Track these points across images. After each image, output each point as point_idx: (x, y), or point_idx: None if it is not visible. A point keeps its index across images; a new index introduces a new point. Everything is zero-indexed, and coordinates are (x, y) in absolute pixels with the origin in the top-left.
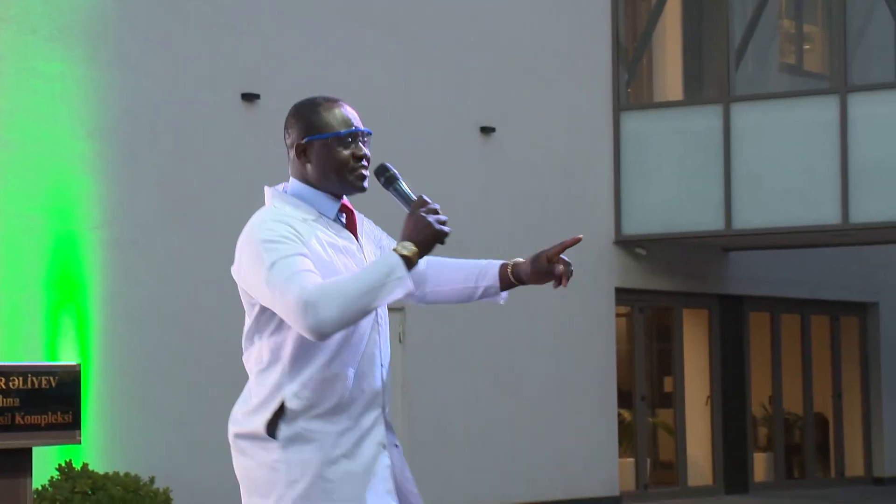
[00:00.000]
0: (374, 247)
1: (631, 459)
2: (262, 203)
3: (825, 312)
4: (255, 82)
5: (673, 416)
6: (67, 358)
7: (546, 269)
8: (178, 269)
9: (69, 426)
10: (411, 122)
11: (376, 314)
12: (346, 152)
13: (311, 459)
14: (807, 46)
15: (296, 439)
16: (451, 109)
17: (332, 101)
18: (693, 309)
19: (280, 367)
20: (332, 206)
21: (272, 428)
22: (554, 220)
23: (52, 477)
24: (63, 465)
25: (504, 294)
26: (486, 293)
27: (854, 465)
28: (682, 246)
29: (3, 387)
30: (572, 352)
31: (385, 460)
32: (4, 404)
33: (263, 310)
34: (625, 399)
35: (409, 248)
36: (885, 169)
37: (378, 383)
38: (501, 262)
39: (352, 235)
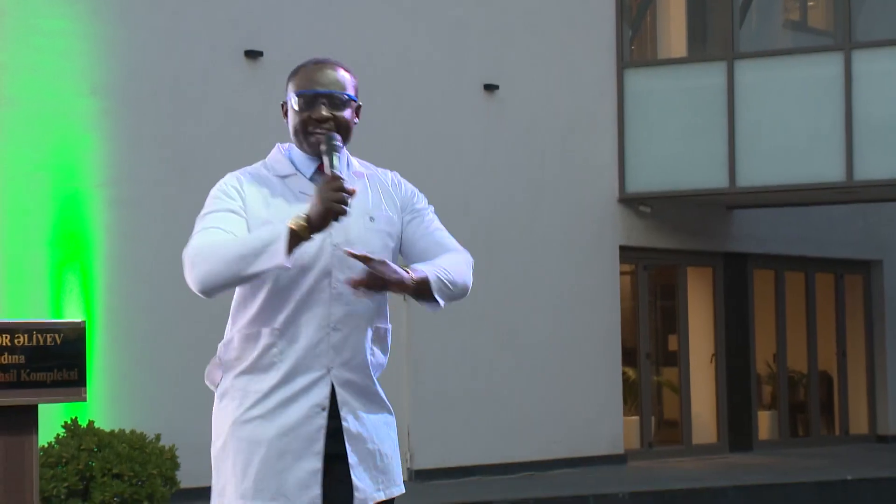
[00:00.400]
0: (367, 212)
1: (635, 417)
2: (262, 159)
3: (829, 270)
4: (258, 39)
5: (677, 374)
6: (72, 315)
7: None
8: (181, 227)
9: (75, 383)
10: (414, 79)
11: (331, 275)
12: (305, 114)
13: (229, 416)
14: (811, 3)
15: (224, 395)
16: (453, 67)
17: (316, 64)
18: (697, 267)
19: (229, 320)
20: (310, 165)
21: (213, 379)
22: (557, 178)
23: (58, 434)
24: (69, 422)
25: (430, 305)
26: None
27: (858, 423)
28: (686, 204)
29: (9, 344)
30: (577, 310)
31: (319, 422)
32: (10, 361)
33: None
34: (629, 357)
35: (299, 221)
36: (890, 126)
37: (321, 344)
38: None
39: None
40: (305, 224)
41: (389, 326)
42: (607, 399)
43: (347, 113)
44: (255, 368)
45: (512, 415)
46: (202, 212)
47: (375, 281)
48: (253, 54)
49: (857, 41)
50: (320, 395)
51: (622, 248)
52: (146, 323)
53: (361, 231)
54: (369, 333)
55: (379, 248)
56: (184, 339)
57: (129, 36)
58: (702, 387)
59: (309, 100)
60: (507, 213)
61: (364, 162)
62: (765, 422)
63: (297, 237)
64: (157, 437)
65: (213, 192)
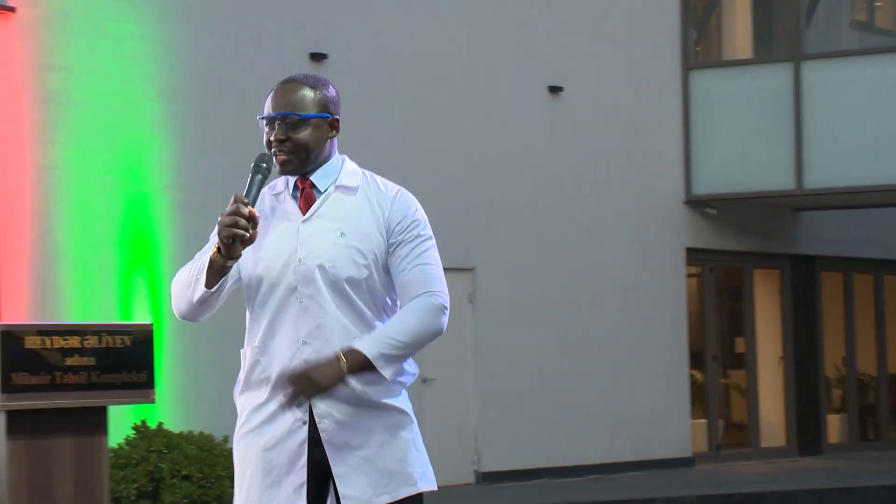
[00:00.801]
0: (362, 221)
1: (703, 420)
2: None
3: None
4: (323, 42)
5: (745, 376)
6: (141, 317)
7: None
8: None
9: (143, 385)
10: (478, 80)
11: (296, 290)
12: (267, 136)
13: (239, 430)
14: (878, 3)
15: (239, 411)
16: (518, 68)
17: (281, 85)
18: (764, 269)
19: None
20: (290, 182)
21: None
22: (623, 179)
23: (127, 436)
24: (138, 423)
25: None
26: None
27: None
28: (752, 205)
29: (79, 346)
30: (643, 313)
31: (301, 436)
32: (80, 363)
33: None
34: (696, 360)
35: (213, 248)
36: None
37: (293, 359)
38: (346, 349)
39: (296, 210)
40: (215, 247)
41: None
42: (674, 402)
43: (305, 133)
44: (249, 386)
45: (579, 417)
46: None
47: (304, 387)
48: (318, 57)
49: None
50: (300, 408)
51: (688, 250)
52: (213, 324)
53: (328, 246)
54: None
55: (346, 264)
56: None
57: (194, 39)
58: (770, 390)
59: (268, 122)
60: (573, 214)
61: (375, 178)
62: (834, 425)
63: (218, 262)
64: (226, 439)
65: None
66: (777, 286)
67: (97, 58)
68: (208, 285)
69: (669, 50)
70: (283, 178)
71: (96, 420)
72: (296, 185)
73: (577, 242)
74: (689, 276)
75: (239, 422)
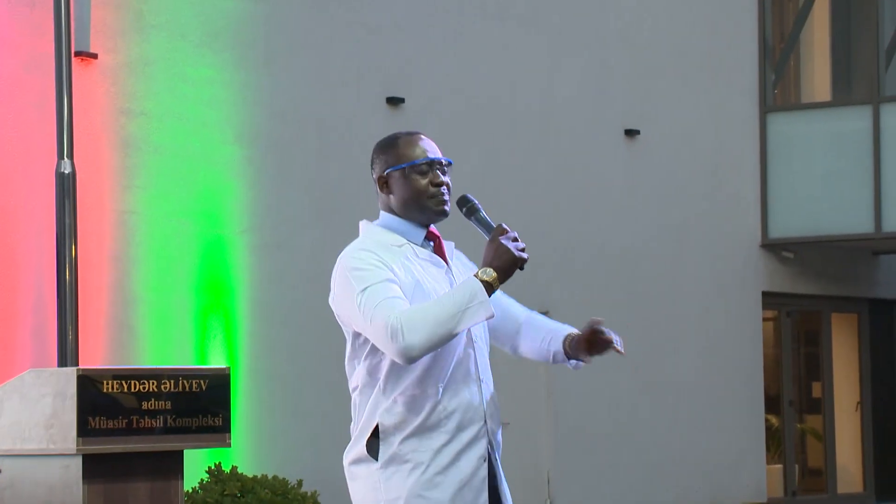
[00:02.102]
0: (466, 273)
1: (779, 465)
2: None
3: None
4: (400, 85)
5: (822, 421)
6: (217, 361)
7: (583, 348)
8: (324, 272)
9: (219, 429)
10: (555, 123)
11: (470, 332)
12: (424, 180)
13: (408, 479)
14: None
15: (394, 460)
16: (595, 110)
17: (411, 135)
18: (842, 313)
19: (375, 388)
20: (419, 233)
21: (372, 449)
22: (700, 222)
23: (202, 479)
24: (213, 467)
25: (573, 362)
26: (556, 358)
27: None
28: (830, 249)
29: (155, 390)
30: (719, 356)
31: (483, 473)
32: (157, 407)
33: (358, 335)
34: (772, 404)
35: (490, 273)
36: None
37: (475, 398)
38: (568, 331)
39: (440, 259)
40: (496, 275)
41: None
42: (750, 445)
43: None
44: (423, 429)
45: (653, 459)
46: (360, 286)
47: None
48: (395, 101)
49: None
50: (482, 447)
51: (765, 294)
52: (289, 368)
53: None
54: None
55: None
56: (326, 385)
57: (272, 83)
58: (847, 435)
59: (424, 167)
60: (649, 256)
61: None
62: None
63: (490, 289)
64: (300, 483)
65: (356, 265)
66: (855, 330)
67: (176, 103)
68: (488, 311)
69: (747, 92)
70: (389, 233)
71: (172, 464)
72: (429, 236)
73: (653, 285)
74: (766, 319)
75: (413, 468)
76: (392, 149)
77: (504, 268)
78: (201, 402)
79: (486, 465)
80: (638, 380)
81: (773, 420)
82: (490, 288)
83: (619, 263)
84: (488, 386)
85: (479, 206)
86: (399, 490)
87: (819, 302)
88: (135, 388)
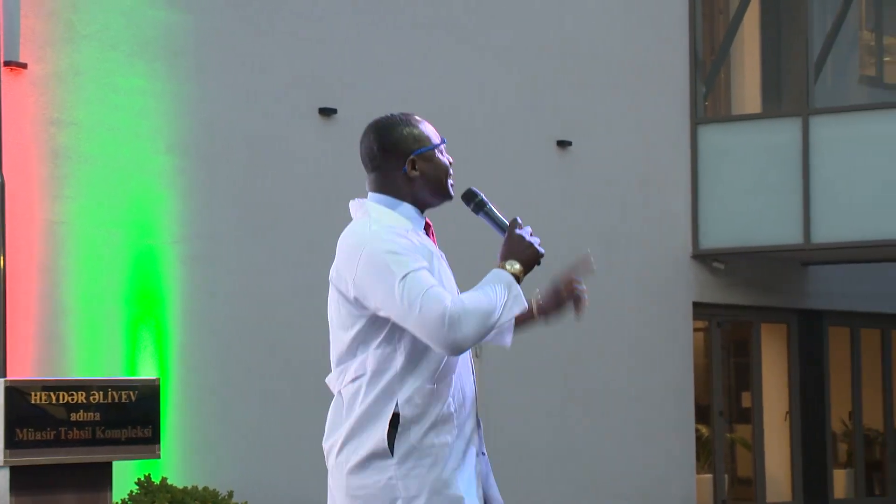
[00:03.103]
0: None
1: (709, 475)
2: (337, 216)
3: None
4: (332, 96)
5: (751, 431)
6: (147, 372)
7: (553, 296)
8: (255, 283)
9: (149, 440)
10: (488, 134)
11: None
12: (445, 160)
13: (428, 475)
14: (887, 58)
15: (411, 454)
16: (527, 122)
17: (410, 115)
18: (772, 323)
19: (388, 377)
20: (421, 220)
21: (390, 441)
22: (630, 233)
23: (131, 491)
24: (142, 479)
25: (508, 337)
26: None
27: None
28: (760, 260)
29: (85, 401)
30: (649, 366)
31: (481, 466)
32: (85, 418)
33: (374, 320)
34: (702, 414)
35: (516, 266)
36: None
37: (474, 388)
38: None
39: (435, 246)
40: (522, 268)
41: None
42: (680, 456)
43: None
44: (438, 422)
45: (583, 471)
46: (401, 271)
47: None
48: (327, 112)
49: None
50: (478, 440)
51: (695, 304)
52: (220, 379)
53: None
54: None
55: None
56: (257, 396)
57: (204, 94)
58: (776, 444)
59: (444, 148)
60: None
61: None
62: (840, 480)
63: (518, 281)
64: (230, 494)
65: (391, 248)
66: (784, 340)
67: (107, 113)
68: (523, 303)
69: (678, 104)
70: (401, 217)
71: (101, 476)
72: (425, 222)
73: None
74: (696, 330)
75: (433, 462)
76: (410, 128)
77: (527, 261)
78: (130, 414)
79: (483, 458)
80: (568, 390)
81: (704, 430)
82: (517, 280)
83: (550, 274)
84: (476, 381)
85: (487, 200)
86: (419, 487)
87: (749, 312)
88: (63, 400)
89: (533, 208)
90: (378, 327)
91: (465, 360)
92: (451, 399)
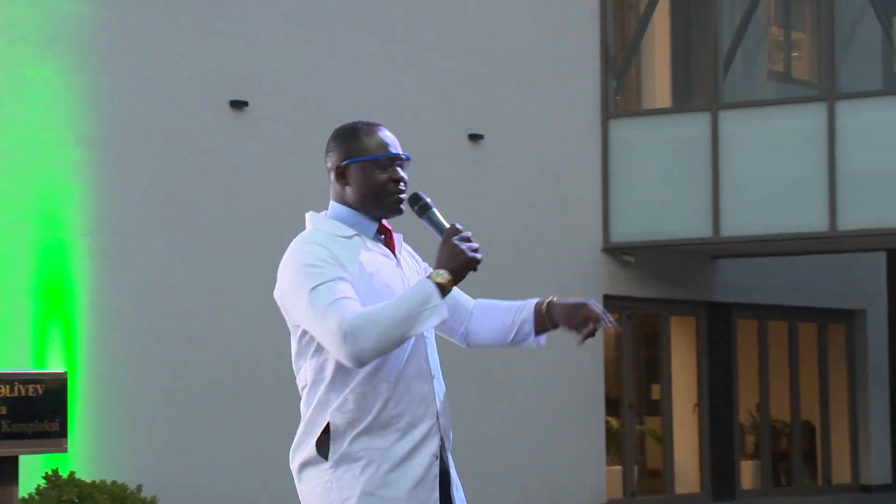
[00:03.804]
0: (414, 269)
1: (618, 467)
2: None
3: (813, 320)
4: (244, 89)
5: (660, 423)
6: (55, 366)
7: (577, 324)
8: (165, 277)
9: (56, 434)
10: (400, 127)
11: None
12: (384, 175)
13: (360, 477)
14: (795, 54)
15: (344, 459)
16: (439, 116)
17: (371, 126)
18: (681, 316)
19: (323, 386)
20: (371, 226)
21: (322, 448)
22: (542, 227)
23: (38, 485)
24: (49, 473)
25: (540, 337)
26: (521, 331)
27: (841, 473)
28: (670, 253)
29: None
30: (559, 359)
31: (434, 470)
32: None
33: (305, 332)
34: (612, 406)
35: (444, 275)
36: (873, 176)
37: (428, 394)
38: (539, 299)
39: (390, 252)
40: (451, 277)
41: None
42: (590, 448)
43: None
44: (374, 426)
45: (493, 464)
46: (310, 283)
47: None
48: (238, 104)
49: (840, 92)
50: (434, 444)
51: (606, 298)
52: (128, 374)
53: None
54: None
55: None
56: (166, 390)
57: (114, 86)
58: (685, 436)
59: (385, 162)
60: (492, 260)
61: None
62: (748, 471)
63: (444, 291)
64: (139, 488)
65: (307, 261)
66: (693, 333)
67: (15, 104)
68: (442, 314)
69: (590, 98)
70: (339, 224)
71: (7, 470)
72: (380, 229)
73: (495, 288)
74: None
75: (365, 466)
76: (351, 139)
77: (458, 269)
78: (38, 407)
79: (437, 462)
80: (479, 383)
81: (613, 422)
82: (444, 290)
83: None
84: (440, 381)
85: (432, 205)
86: (351, 489)
87: (658, 305)
88: None
89: (445, 201)
90: (310, 338)
91: (419, 365)
92: (390, 404)
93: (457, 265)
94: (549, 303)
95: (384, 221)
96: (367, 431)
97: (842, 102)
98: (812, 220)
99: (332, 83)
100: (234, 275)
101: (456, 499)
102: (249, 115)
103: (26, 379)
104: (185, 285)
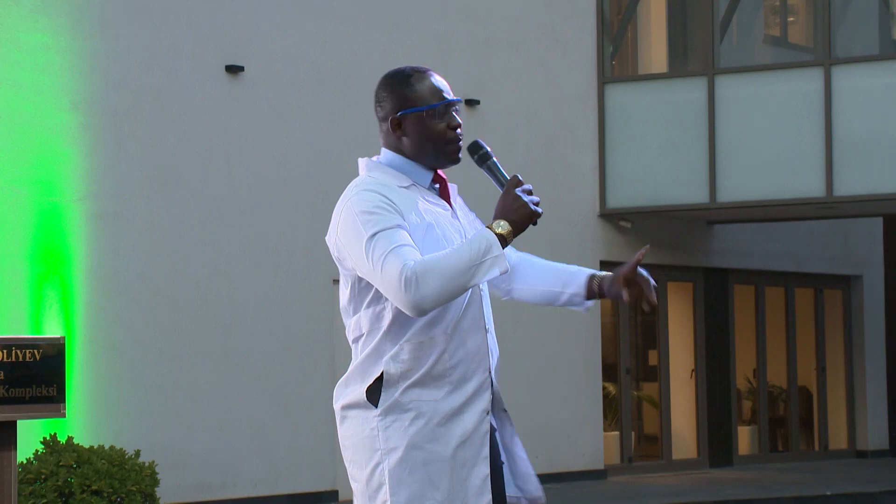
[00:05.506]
0: (469, 219)
1: (616, 433)
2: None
3: (809, 285)
4: (239, 54)
5: (658, 389)
6: (52, 331)
7: (616, 290)
8: (161, 241)
9: (54, 399)
10: None
11: None
12: (442, 124)
13: (408, 429)
14: (791, 18)
15: (394, 408)
16: None
17: (422, 72)
18: (678, 282)
19: (380, 334)
20: (426, 176)
21: (373, 396)
22: (538, 192)
23: (36, 450)
24: (48, 438)
25: (589, 303)
26: (571, 300)
27: (837, 438)
28: (666, 219)
29: None
30: (557, 326)
31: (485, 427)
32: None
33: (360, 280)
34: (609, 372)
35: (505, 227)
36: (869, 141)
37: (482, 348)
38: (590, 272)
39: (446, 203)
40: (511, 229)
41: None
42: (587, 414)
43: None
44: (427, 378)
45: None
46: (369, 231)
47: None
48: (234, 69)
49: (836, 57)
50: (486, 399)
51: (602, 263)
52: (126, 338)
53: None
54: None
55: None
56: (163, 355)
57: (109, 50)
58: (682, 402)
59: (442, 110)
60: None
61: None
62: (744, 437)
63: (504, 242)
64: (137, 453)
65: (366, 208)
66: (690, 299)
67: (9, 69)
68: (503, 265)
69: (585, 64)
70: (397, 173)
71: (5, 435)
72: (435, 178)
73: None
74: None
75: (415, 417)
76: (405, 88)
77: (519, 221)
78: (35, 372)
79: (488, 418)
80: None
81: (611, 388)
82: (504, 241)
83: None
84: (493, 337)
85: (492, 154)
86: (398, 440)
87: (655, 271)
88: None
89: None
90: (366, 286)
91: (475, 317)
92: (445, 356)
93: (518, 217)
94: (601, 279)
95: (439, 171)
96: (420, 383)
97: (838, 67)
98: (808, 185)
99: (326, 47)
100: (230, 238)
101: (517, 456)
102: (245, 80)
103: (23, 344)
104: (181, 249)
